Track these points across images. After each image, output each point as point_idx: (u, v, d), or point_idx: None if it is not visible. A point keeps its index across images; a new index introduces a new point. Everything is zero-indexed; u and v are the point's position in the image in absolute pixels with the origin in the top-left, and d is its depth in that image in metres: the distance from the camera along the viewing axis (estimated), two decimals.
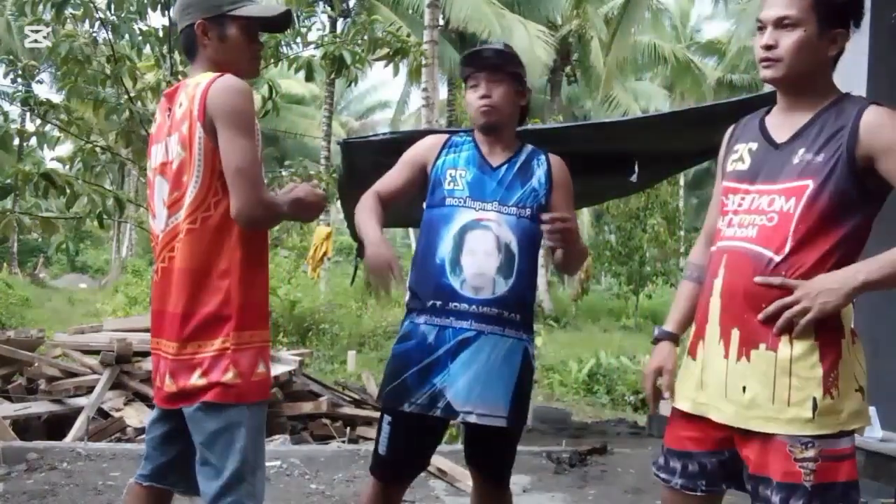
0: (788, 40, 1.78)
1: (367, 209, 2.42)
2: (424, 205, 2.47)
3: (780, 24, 1.79)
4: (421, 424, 2.36)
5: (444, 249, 2.34)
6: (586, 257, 2.53)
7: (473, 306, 2.30)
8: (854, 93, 1.88)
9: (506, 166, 2.42)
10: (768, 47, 1.80)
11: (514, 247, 2.33)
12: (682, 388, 1.96)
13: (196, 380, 2.01)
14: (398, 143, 4.30)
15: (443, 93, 19.88)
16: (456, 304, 2.31)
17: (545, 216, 2.24)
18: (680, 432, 1.94)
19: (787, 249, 1.75)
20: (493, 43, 2.49)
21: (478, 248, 2.32)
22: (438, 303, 2.33)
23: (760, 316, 1.76)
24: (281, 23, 2.27)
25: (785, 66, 1.80)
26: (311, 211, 2.18)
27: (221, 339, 2.01)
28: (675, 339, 2.08)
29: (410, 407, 2.33)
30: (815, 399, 1.72)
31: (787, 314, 1.72)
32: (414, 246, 2.62)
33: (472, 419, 2.32)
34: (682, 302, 2.08)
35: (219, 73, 2.03)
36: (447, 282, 2.32)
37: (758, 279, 1.76)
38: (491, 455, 2.48)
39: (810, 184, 1.75)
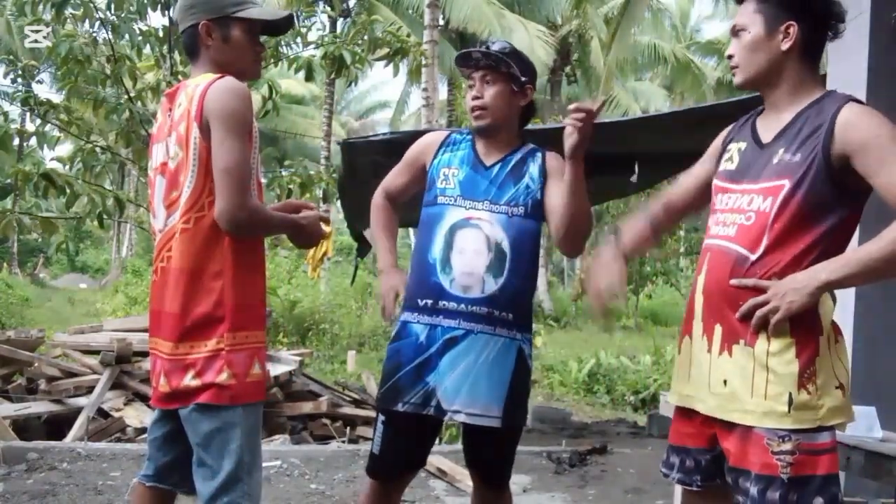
0: (738, 46, 1.91)
1: (381, 224, 2.57)
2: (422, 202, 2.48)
3: (735, 34, 1.92)
4: (415, 423, 2.36)
5: (435, 248, 2.35)
6: (588, 214, 2.38)
7: (462, 305, 2.30)
8: (854, 93, 1.89)
9: (499, 165, 2.41)
10: (729, 57, 1.94)
11: (506, 245, 2.32)
12: (673, 383, 2.03)
13: (189, 380, 2.02)
14: (398, 143, 4.30)
15: (443, 93, 19.86)
16: (445, 302, 2.31)
17: (571, 107, 2.12)
18: (679, 428, 2.01)
19: (762, 248, 1.80)
20: (495, 41, 2.46)
21: (467, 246, 2.32)
22: (429, 302, 2.34)
23: (737, 314, 1.81)
24: (283, 27, 2.29)
25: (742, 71, 1.91)
26: (307, 239, 2.24)
27: (215, 339, 2.01)
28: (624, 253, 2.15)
29: (405, 406, 2.34)
30: (790, 395, 1.76)
31: (758, 313, 1.78)
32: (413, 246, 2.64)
33: (461, 418, 2.32)
34: (631, 231, 2.19)
35: (219, 75, 2.04)
36: (437, 280, 2.33)
37: (733, 282, 1.82)
38: (488, 456, 2.48)
39: (786, 183, 1.79)
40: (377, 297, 2.49)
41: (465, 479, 4.18)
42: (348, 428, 6.18)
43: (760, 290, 1.78)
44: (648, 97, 25.46)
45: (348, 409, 6.48)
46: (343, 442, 5.83)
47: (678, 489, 3.33)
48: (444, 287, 2.32)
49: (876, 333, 3.77)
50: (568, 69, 21.98)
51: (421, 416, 2.33)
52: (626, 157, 5.12)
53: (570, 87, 24.00)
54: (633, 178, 5.14)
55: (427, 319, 2.34)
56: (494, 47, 2.40)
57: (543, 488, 4.47)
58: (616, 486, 4.61)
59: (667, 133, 5.03)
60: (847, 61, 3.84)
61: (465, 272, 2.31)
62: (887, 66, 3.83)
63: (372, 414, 6.23)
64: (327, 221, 2.28)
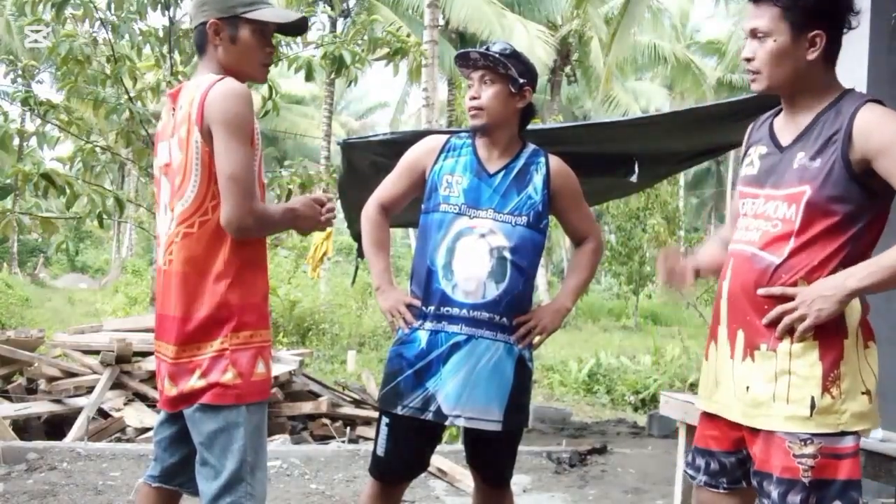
0: (763, 52, 1.82)
1: (374, 240, 2.52)
2: (421, 208, 2.47)
3: (755, 35, 1.82)
4: (417, 427, 2.37)
5: (437, 255, 2.36)
6: (589, 280, 2.64)
7: (464, 310, 2.31)
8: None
9: (502, 173, 2.41)
10: (748, 60, 1.85)
11: (508, 253, 2.34)
12: (701, 388, 2.03)
13: (195, 381, 2.02)
14: (397, 143, 4.29)
15: (443, 93, 19.83)
16: (448, 308, 2.33)
17: (514, 338, 2.37)
18: (704, 431, 2.01)
19: (786, 252, 1.79)
20: (496, 43, 2.46)
21: (469, 253, 2.33)
22: (431, 308, 2.35)
23: (763, 320, 1.80)
24: (295, 29, 2.24)
25: (765, 78, 1.84)
26: (305, 223, 2.16)
27: (220, 339, 2.01)
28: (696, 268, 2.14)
29: (404, 410, 2.35)
30: (812, 398, 1.76)
31: (786, 320, 1.77)
32: (413, 247, 2.64)
33: (461, 422, 2.34)
34: (707, 248, 2.18)
35: (220, 77, 2.02)
36: (439, 287, 2.34)
37: (760, 292, 1.81)
38: (490, 457, 2.49)
39: (807, 189, 1.78)
40: (384, 313, 2.48)
41: (465, 479, 4.18)
42: (348, 428, 6.18)
43: (788, 297, 1.78)
44: (648, 97, 25.47)
45: (348, 409, 6.48)
46: (343, 442, 5.83)
47: (678, 489, 3.33)
48: (447, 293, 2.33)
49: (877, 334, 3.75)
50: (568, 69, 21.94)
51: (421, 420, 2.34)
52: (626, 157, 5.12)
53: (570, 87, 24.00)
54: (633, 178, 5.13)
55: (430, 325, 2.35)
56: (495, 48, 2.40)
57: (543, 488, 4.47)
58: (616, 486, 4.61)
59: (667, 133, 5.03)
60: (847, 61, 3.83)
61: (466, 278, 2.32)
62: (887, 66, 3.82)
63: (372, 414, 6.24)
64: (322, 204, 2.18)
